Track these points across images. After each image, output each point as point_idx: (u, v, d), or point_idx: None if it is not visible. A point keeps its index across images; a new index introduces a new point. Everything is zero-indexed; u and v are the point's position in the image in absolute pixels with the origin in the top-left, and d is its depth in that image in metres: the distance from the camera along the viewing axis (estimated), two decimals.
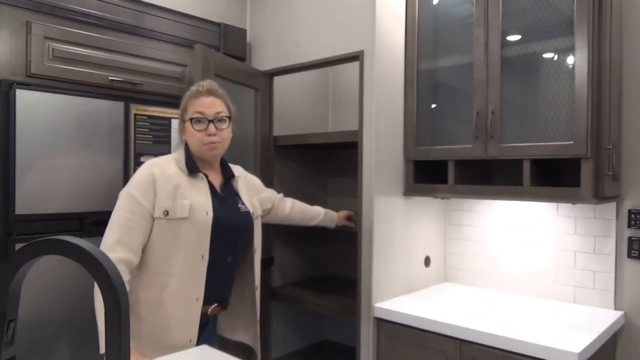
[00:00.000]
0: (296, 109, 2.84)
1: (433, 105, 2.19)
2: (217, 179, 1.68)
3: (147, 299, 1.51)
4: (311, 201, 3.05)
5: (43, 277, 1.81)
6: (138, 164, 2.12)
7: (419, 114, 2.21)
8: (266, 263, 2.54)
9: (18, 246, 1.73)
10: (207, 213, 1.54)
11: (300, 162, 2.88)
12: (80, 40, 1.97)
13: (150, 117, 2.15)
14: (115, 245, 1.42)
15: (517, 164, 1.93)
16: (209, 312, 1.60)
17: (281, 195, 2.06)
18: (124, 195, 1.52)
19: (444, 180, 2.15)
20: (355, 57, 2.16)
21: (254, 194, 1.81)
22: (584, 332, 1.73)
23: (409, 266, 2.29)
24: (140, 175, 1.53)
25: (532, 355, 1.63)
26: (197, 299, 1.53)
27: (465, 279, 2.47)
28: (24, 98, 1.79)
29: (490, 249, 2.38)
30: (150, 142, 2.16)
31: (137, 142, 2.11)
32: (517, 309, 2.03)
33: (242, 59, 2.54)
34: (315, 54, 2.34)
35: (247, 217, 1.69)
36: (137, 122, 2.10)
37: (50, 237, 0.83)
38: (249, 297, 1.75)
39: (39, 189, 1.83)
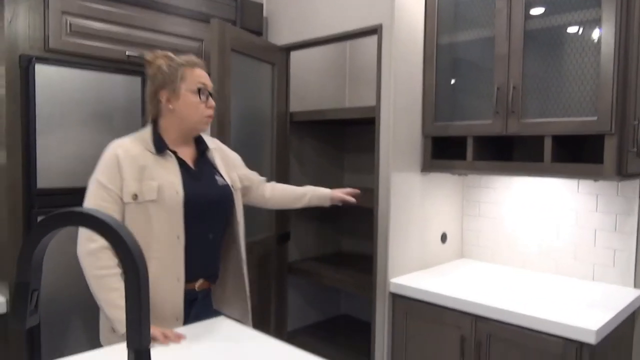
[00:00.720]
0: (313, 85, 2.82)
1: (452, 81, 2.15)
2: (189, 154, 1.61)
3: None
4: (328, 178, 3.07)
5: (62, 249, 1.85)
6: None
7: (438, 89, 2.18)
8: (282, 238, 2.56)
9: (40, 219, 1.76)
10: (177, 192, 1.48)
11: (317, 138, 2.87)
12: (97, 14, 1.97)
13: None
14: (93, 235, 1.39)
15: (537, 140, 1.89)
16: (196, 288, 1.58)
17: (264, 179, 1.94)
18: (92, 182, 1.47)
19: (462, 156, 2.13)
20: (374, 30, 2.12)
21: (233, 168, 1.75)
22: (602, 309, 1.72)
23: (425, 242, 2.29)
24: (104, 159, 1.48)
25: (548, 332, 1.63)
26: (178, 279, 1.50)
27: (481, 256, 2.46)
28: (43, 73, 1.80)
29: (507, 226, 2.36)
30: None
31: None
32: (534, 286, 2.02)
33: (258, 33, 2.51)
34: (333, 28, 2.30)
35: (225, 190, 1.63)
36: None
37: (71, 209, 0.84)
38: (235, 272, 1.71)
39: (59, 163, 1.86)
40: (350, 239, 3.08)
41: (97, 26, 1.97)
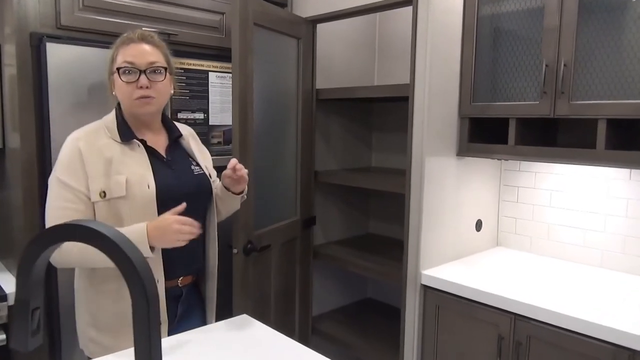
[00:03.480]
0: (339, 60, 2.65)
1: (494, 56, 1.97)
2: (160, 142, 1.46)
3: (107, 290, 1.37)
4: (355, 156, 2.93)
5: None
6: (175, 120, 2.02)
7: (478, 66, 1.99)
8: (307, 223, 2.46)
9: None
10: (148, 186, 1.35)
11: (343, 115, 2.73)
12: None
13: (186, 70, 2.03)
14: None
15: (588, 124, 1.72)
16: (179, 284, 1.48)
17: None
18: (52, 182, 1.33)
19: (502, 140, 1.96)
20: (408, 0, 1.94)
21: (207, 160, 1.62)
22: None
23: (459, 231, 2.15)
24: (64, 155, 1.34)
25: (596, 336, 1.49)
26: (157, 281, 1.37)
27: (518, 245, 2.31)
28: (55, 51, 1.69)
29: (547, 213, 2.20)
30: (188, 97, 2.05)
31: (173, 97, 1.98)
32: (577, 281, 1.87)
33: (282, 5, 2.35)
34: None
35: (202, 179, 1.49)
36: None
37: (76, 222, 0.74)
38: (212, 268, 1.59)
39: None
40: (378, 222, 2.96)
41: (111, 0, 1.84)
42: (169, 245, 1.30)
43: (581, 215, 2.10)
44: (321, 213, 2.67)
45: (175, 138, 1.50)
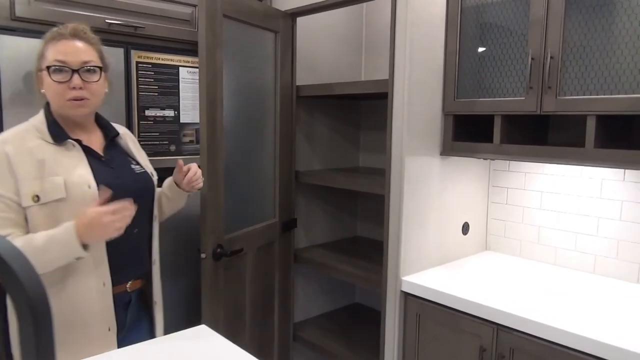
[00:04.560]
0: (324, 56, 2.55)
1: (479, 50, 1.85)
2: (96, 141, 1.38)
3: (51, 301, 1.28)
4: (342, 157, 2.83)
5: None
6: (143, 118, 1.93)
7: (462, 60, 1.88)
8: (287, 225, 2.35)
9: None
10: (89, 186, 1.27)
11: (328, 114, 2.62)
12: None
13: (154, 65, 1.93)
14: None
15: (578, 121, 1.60)
16: (128, 289, 1.40)
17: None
18: None
19: (488, 138, 1.85)
20: None
21: (144, 159, 1.53)
22: None
23: (444, 234, 2.04)
24: None
25: (585, 350, 1.38)
26: (104, 284, 1.31)
27: (508, 249, 2.20)
28: (9, 44, 1.60)
29: (538, 216, 2.08)
30: (156, 94, 1.96)
31: (140, 93, 1.90)
32: (570, 288, 1.75)
33: None
34: None
35: (144, 177, 1.43)
36: (139, 71, 1.89)
37: None
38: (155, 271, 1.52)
39: None
40: (366, 224, 2.85)
41: None
42: (106, 238, 1.23)
43: (573, 218, 1.98)
44: (304, 215, 2.56)
45: (112, 137, 1.42)
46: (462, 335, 1.69)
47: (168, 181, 1.59)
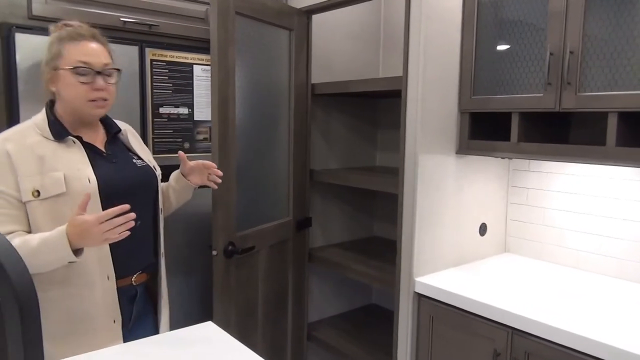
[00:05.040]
0: (342, 53, 2.52)
1: (496, 45, 1.80)
2: (98, 138, 1.39)
3: (54, 296, 1.28)
4: (359, 156, 2.80)
5: None
6: (157, 115, 1.94)
7: (478, 56, 1.83)
8: (301, 224, 2.34)
9: None
10: (88, 180, 1.27)
11: (345, 112, 2.59)
12: None
13: (168, 62, 1.94)
14: None
15: (599, 118, 1.54)
16: (133, 282, 1.40)
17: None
18: None
19: (506, 136, 1.79)
20: None
21: (146, 154, 1.54)
22: None
23: (460, 235, 1.99)
24: None
25: (604, 358, 1.32)
26: (108, 277, 1.32)
27: (527, 251, 2.13)
28: (25, 43, 1.63)
29: (560, 218, 2.01)
30: (170, 91, 1.97)
31: (154, 91, 1.92)
32: (592, 293, 1.68)
33: None
34: None
35: (145, 170, 1.43)
36: (153, 69, 1.90)
37: None
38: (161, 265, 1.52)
39: None
40: (384, 224, 2.81)
41: None
42: (97, 246, 1.22)
43: (597, 220, 1.90)
44: (320, 214, 2.54)
45: (113, 133, 1.43)
46: (475, 339, 1.65)
47: (175, 173, 1.60)
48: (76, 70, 1.28)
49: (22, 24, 1.65)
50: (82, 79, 1.29)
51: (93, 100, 1.31)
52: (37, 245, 1.19)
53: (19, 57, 1.62)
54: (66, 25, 1.34)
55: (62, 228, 1.19)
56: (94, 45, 1.32)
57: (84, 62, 1.29)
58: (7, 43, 1.62)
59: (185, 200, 1.66)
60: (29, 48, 1.64)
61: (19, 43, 1.62)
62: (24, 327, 0.64)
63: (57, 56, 1.30)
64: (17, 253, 0.66)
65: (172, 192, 1.59)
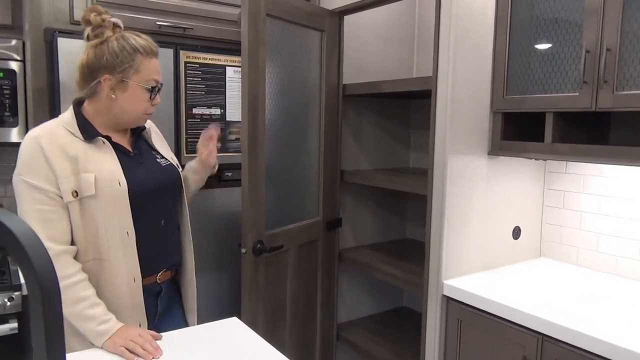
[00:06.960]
0: (375, 54, 2.52)
1: (530, 43, 1.76)
2: (124, 138, 1.39)
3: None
4: (391, 157, 2.78)
5: None
6: (190, 116, 2.00)
7: (512, 54, 1.79)
8: (331, 224, 2.34)
9: None
10: (119, 183, 1.28)
11: (377, 113, 2.59)
12: None
13: (202, 64, 2.00)
14: (47, 242, 1.20)
15: (639, 117, 1.48)
16: (158, 280, 1.42)
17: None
18: (19, 184, 1.24)
19: (540, 137, 1.74)
20: None
21: (168, 151, 1.55)
22: None
23: (492, 238, 1.95)
24: (25, 155, 1.24)
25: None
26: (134, 280, 1.32)
27: (564, 256, 2.06)
28: (67, 46, 1.72)
29: (598, 222, 1.93)
30: (203, 92, 2.02)
31: (188, 92, 1.97)
32: (629, 300, 1.61)
33: None
34: None
35: (170, 170, 1.45)
36: (187, 71, 1.96)
37: None
38: (188, 261, 1.53)
39: None
40: (415, 226, 2.78)
41: None
42: (122, 344, 1.23)
43: (635, 224, 1.82)
44: (351, 215, 2.54)
45: (139, 132, 1.45)
46: (505, 344, 1.61)
47: (195, 160, 1.64)
48: (154, 90, 1.34)
49: (64, 29, 1.73)
50: (150, 95, 1.34)
51: (147, 114, 1.37)
52: (83, 304, 1.23)
53: (61, 60, 1.70)
54: (117, 28, 1.34)
55: (115, 323, 1.24)
56: (158, 62, 1.37)
57: (157, 81, 1.35)
58: (50, 47, 1.71)
59: (202, 184, 1.66)
60: (71, 51, 1.72)
61: (61, 46, 1.70)
62: (46, 313, 0.67)
63: (130, 68, 1.30)
64: (40, 241, 0.69)
65: (192, 175, 1.61)
